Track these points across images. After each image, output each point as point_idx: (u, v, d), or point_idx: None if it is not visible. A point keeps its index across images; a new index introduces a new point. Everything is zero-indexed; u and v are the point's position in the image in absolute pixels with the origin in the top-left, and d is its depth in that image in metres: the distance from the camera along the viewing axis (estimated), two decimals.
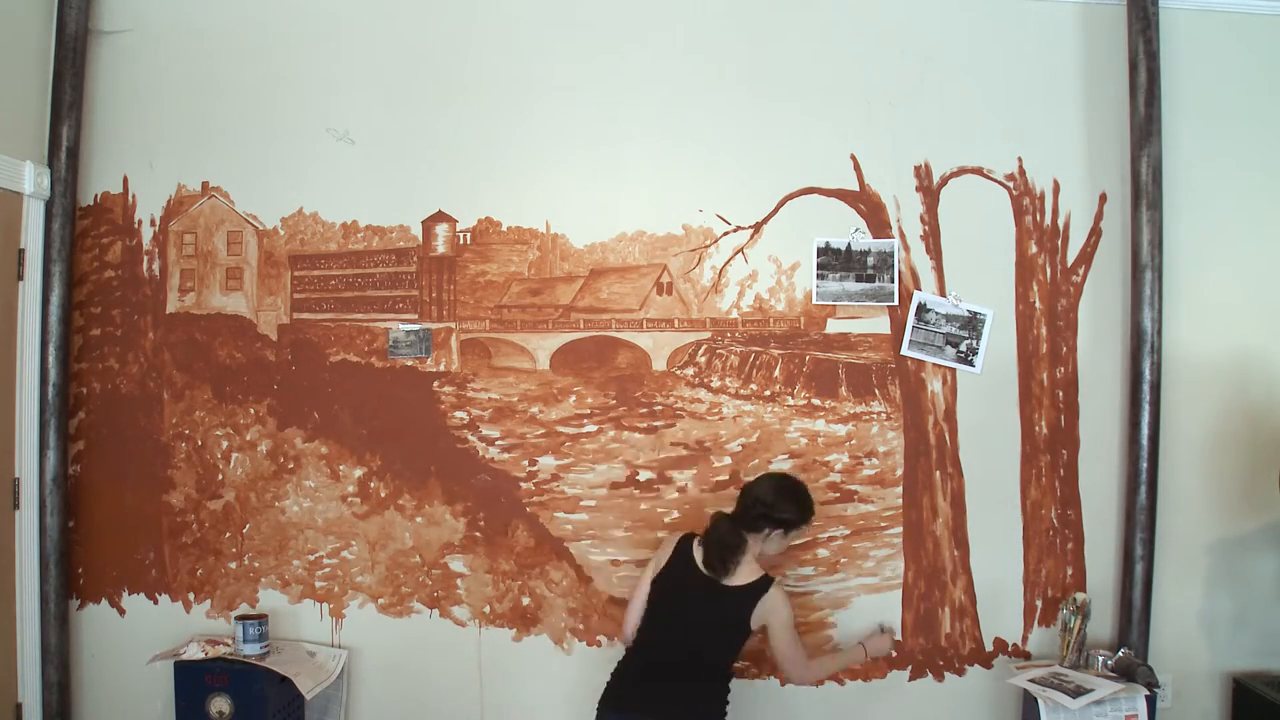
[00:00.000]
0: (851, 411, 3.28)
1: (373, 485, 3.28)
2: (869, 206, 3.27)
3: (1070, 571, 3.27)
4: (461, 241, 3.29)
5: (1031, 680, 2.99)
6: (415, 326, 3.29)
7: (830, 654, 3.16)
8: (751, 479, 2.96)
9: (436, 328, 3.29)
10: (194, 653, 2.99)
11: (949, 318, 3.20)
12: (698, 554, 2.81)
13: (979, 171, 3.27)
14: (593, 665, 3.25)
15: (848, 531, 3.27)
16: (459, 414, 3.27)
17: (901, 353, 3.24)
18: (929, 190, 3.27)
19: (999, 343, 3.26)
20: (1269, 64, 3.28)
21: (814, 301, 3.24)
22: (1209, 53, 3.25)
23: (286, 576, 3.28)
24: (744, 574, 2.77)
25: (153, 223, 3.29)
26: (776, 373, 3.28)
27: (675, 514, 3.26)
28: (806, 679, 2.94)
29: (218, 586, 3.28)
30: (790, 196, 3.26)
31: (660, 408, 3.28)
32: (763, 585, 2.76)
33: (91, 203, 3.27)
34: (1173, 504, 3.22)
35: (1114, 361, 3.25)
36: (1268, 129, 3.27)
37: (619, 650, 3.24)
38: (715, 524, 2.82)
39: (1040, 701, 2.89)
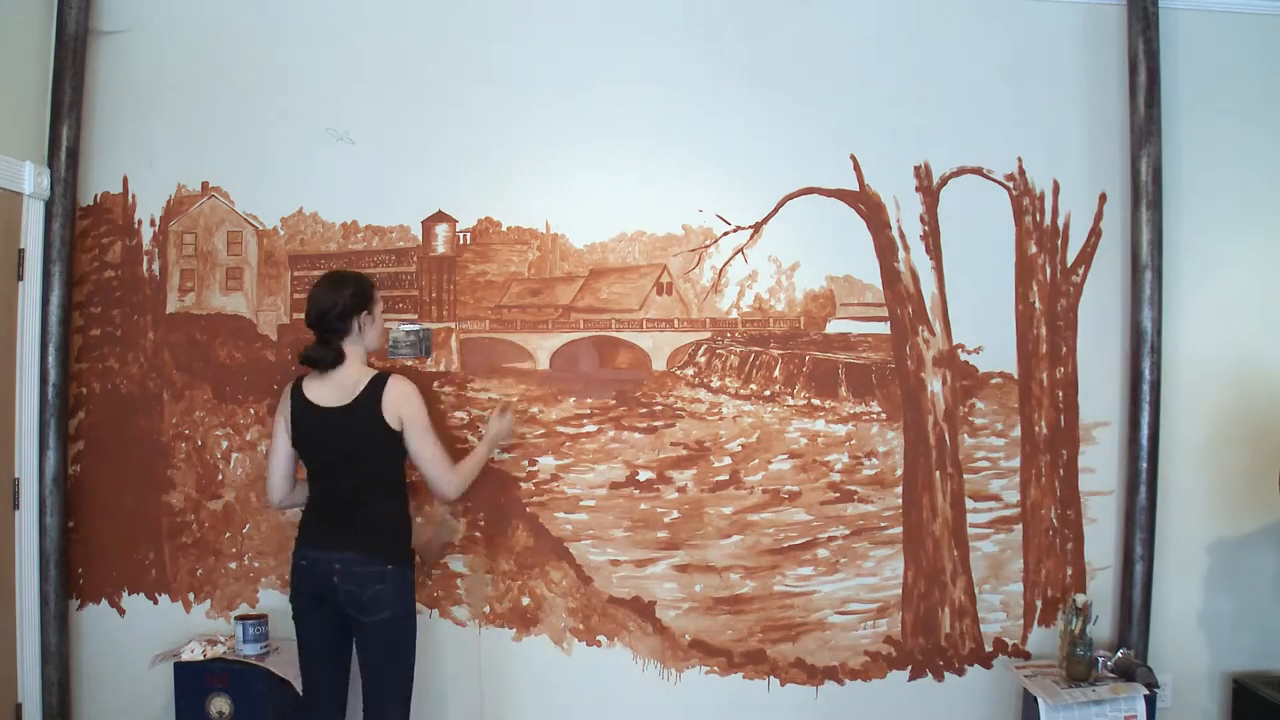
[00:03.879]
0: (851, 411, 3.28)
1: None
2: (869, 206, 3.27)
3: (1070, 571, 3.27)
4: (461, 241, 3.29)
5: (1031, 680, 3.00)
6: (415, 326, 3.29)
7: (468, 457, 2.93)
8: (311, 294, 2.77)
9: (436, 328, 3.29)
10: (194, 653, 2.99)
11: None
12: (314, 391, 2.72)
13: (979, 171, 3.27)
14: (593, 665, 3.26)
15: (848, 531, 3.27)
16: (459, 414, 3.27)
17: None
18: (929, 190, 3.26)
19: (999, 343, 3.27)
20: (1269, 64, 3.28)
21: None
22: (1209, 53, 3.26)
23: (286, 576, 3.28)
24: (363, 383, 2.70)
25: (153, 223, 3.28)
26: (776, 373, 3.28)
27: (675, 514, 3.26)
28: (454, 482, 2.79)
29: (218, 586, 3.28)
30: (790, 196, 3.26)
31: (660, 408, 3.28)
32: (380, 380, 2.69)
33: (91, 203, 3.26)
34: (1173, 504, 3.22)
35: (1114, 361, 3.25)
36: (1268, 129, 3.27)
37: (620, 650, 3.25)
38: (308, 353, 2.72)
39: (1040, 701, 2.89)
